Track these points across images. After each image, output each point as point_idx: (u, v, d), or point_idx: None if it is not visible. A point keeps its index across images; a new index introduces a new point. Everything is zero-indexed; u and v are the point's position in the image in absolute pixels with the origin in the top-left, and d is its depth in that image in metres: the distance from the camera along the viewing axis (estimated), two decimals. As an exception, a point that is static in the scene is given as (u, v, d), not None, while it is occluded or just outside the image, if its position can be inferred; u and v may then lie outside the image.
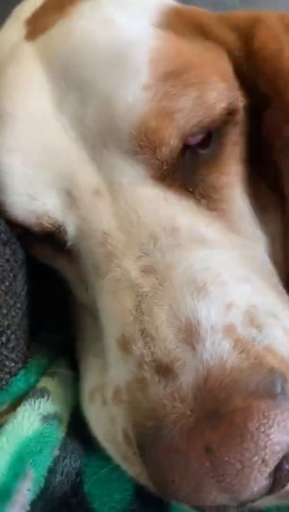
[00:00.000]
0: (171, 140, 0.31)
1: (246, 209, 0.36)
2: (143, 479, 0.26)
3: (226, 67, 0.36)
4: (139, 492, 0.27)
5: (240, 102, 0.35)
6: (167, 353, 0.25)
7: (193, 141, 0.33)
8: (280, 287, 0.33)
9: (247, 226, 0.35)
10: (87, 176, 0.33)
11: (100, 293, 0.31)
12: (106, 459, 0.28)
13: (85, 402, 0.31)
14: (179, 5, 0.40)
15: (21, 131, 0.32)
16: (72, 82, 0.32)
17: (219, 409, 0.23)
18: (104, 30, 0.33)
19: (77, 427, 0.31)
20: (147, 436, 0.24)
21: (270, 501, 0.26)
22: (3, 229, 0.32)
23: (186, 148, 0.33)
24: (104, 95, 0.31)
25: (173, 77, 0.32)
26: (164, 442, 0.23)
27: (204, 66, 0.33)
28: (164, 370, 0.25)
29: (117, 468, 0.28)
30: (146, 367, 0.26)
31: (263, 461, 0.22)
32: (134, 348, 0.27)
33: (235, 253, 0.32)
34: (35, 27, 0.37)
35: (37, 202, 0.32)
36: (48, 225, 0.33)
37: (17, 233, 0.34)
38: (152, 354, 0.26)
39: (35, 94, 0.33)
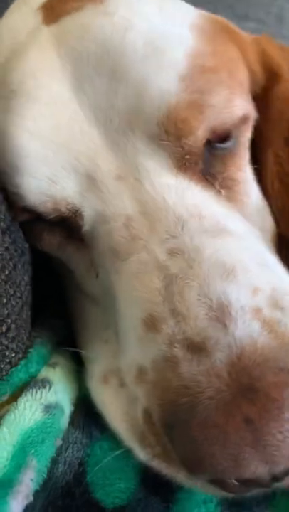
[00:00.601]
0: (199, 131, 0.32)
1: (260, 203, 0.38)
2: (161, 460, 0.26)
3: (245, 80, 0.38)
4: (144, 481, 0.27)
5: (252, 113, 0.37)
6: (199, 331, 0.26)
7: (215, 137, 0.34)
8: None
9: (260, 219, 0.37)
10: (108, 159, 0.33)
11: (119, 276, 0.31)
12: (110, 448, 0.28)
13: (96, 386, 0.31)
14: (213, 15, 0.41)
15: (42, 113, 0.32)
16: (103, 65, 0.32)
17: (254, 384, 0.24)
18: (145, 22, 0.33)
19: (80, 417, 0.30)
20: (178, 413, 0.25)
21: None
22: (2, 217, 0.32)
23: (207, 142, 0.34)
24: (138, 80, 0.32)
25: (209, 72, 0.33)
26: (200, 418, 0.24)
27: (233, 72, 0.35)
28: (197, 348, 0.26)
29: (120, 457, 0.27)
30: (177, 345, 0.26)
31: None
32: (163, 327, 0.27)
33: (254, 241, 0.33)
34: (53, 12, 0.36)
35: (57, 186, 0.32)
36: (65, 210, 0.33)
37: (23, 220, 0.34)
38: (184, 332, 0.26)
39: (55, 77, 0.33)
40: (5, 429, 0.27)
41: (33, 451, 0.26)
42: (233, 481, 0.24)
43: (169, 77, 0.31)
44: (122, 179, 0.32)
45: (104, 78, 0.32)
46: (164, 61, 0.32)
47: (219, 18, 0.40)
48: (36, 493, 0.25)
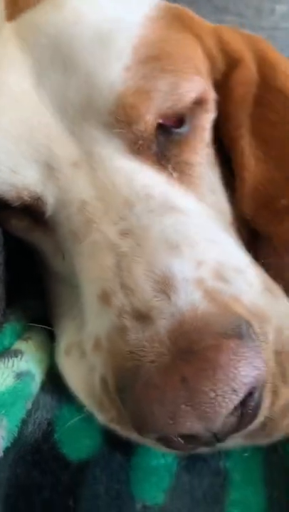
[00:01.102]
0: (147, 116, 0.34)
1: (216, 185, 0.39)
2: (116, 423, 0.28)
3: (202, 64, 0.40)
4: (107, 438, 0.29)
5: (209, 95, 0.39)
6: (145, 303, 0.28)
7: (168, 121, 0.36)
8: (243, 248, 0.36)
9: (214, 199, 0.38)
10: (65, 148, 0.34)
11: (79, 256, 0.33)
12: (76, 411, 0.30)
13: (61, 357, 0.33)
14: (171, 4, 0.42)
15: (3, 106, 0.34)
16: (56, 59, 0.34)
17: (193, 347, 0.25)
18: (95, 12, 0.35)
19: (50, 384, 0.33)
20: (127, 377, 0.26)
21: (237, 442, 0.28)
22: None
23: (160, 127, 0.35)
24: (88, 72, 0.33)
25: (153, 61, 0.34)
26: (143, 380, 0.25)
27: (183, 58, 0.36)
28: (143, 318, 0.27)
29: (86, 419, 0.30)
30: (126, 316, 0.28)
31: (234, 390, 0.24)
32: (114, 300, 0.29)
33: (204, 219, 0.35)
34: (15, 8, 0.38)
35: (18, 176, 0.34)
36: (28, 198, 0.35)
37: None
38: (131, 304, 0.28)
39: (15, 71, 0.34)
40: (-23, 394, 0.29)
41: (3, 411, 0.28)
42: (178, 439, 0.26)
43: (115, 68, 0.33)
44: (79, 166, 0.34)
45: (58, 71, 0.34)
46: (111, 52, 0.33)
47: (179, 7, 0.42)
48: (7, 450, 0.28)
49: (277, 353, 0.29)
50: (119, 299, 0.29)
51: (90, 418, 0.30)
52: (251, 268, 0.32)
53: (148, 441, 0.28)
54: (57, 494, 0.26)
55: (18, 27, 0.37)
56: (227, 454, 0.29)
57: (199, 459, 0.29)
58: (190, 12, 0.43)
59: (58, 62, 0.34)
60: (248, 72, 0.41)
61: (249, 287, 0.30)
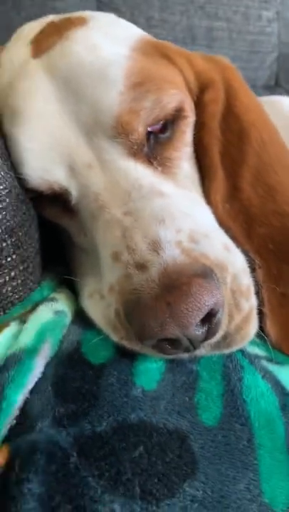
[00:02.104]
0: (139, 128, 0.48)
1: (190, 173, 0.53)
2: (125, 340, 0.42)
3: (179, 82, 0.53)
4: (117, 351, 0.43)
5: (186, 104, 0.52)
6: (143, 257, 0.40)
7: (155, 128, 0.50)
8: (215, 221, 0.50)
9: (190, 184, 0.52)
10: (82, 154, 0.48)
11: (96, 231, 0.47)
12: (95, 335, 0.44)
13: (85, 300, 0.47)
14: (152, 38, 0.55)
15: (36, 124, 0.47)
16: (71, 90, 0.47)
17: (174, 283, 0.38)
18: (92, 53, 0.48)
19: (77, 319, 0.47)
20: (132, 305, 0.39)
21: (207, 351, 0.42)
22: (20, 192, 0.47)
23: (150, 133, 0.49)
24: (93, 99, 0.47)
25: (139, 86, 0.47)
26: (142, 305, 0.38)
27: (162, 79, 0.50)
28: (141, 267, 0.40)
29: (102, 339, 0.43)
30: (130, 267, 0.41)
31: (199, 308, 0.37)
32: (122, 257, 0.42)
33: (182, 199, 0.48)
34: (39, 47, 0.51)
35: (50, 173, 0.48)
36: (58, 189, 0.49)
37: (32, 196, 0.49)
38: (133, 259, 0.41)
39: (42, 98, 0.48)
40: (29, 324, 0.43)
41: (48, 333, 0.42)
42: (166, 345, 0.39)
43: (112, 95, 0.46)
44: (92, 167, 0.48)
45: (72, 100, 0.47)
46: (107, 83, 0.46)
47: (160, 42, 0.55)
48: (51, 358, 0.42)
49: (233, 291, 0.42)
50: (125, 256, 0.42)
51: (105, 339, 0.44)
52: (216, 233, 0.46)
53: (147, 350, 0.41)
54: (84, 383, 0.39)
55: (43, 64, 0.50)
56: (198, 360, 0.43)
57: (179, 364, 0.42)
58: (167, 43, 0.56)
59: (72, 94, 0.47)
60: (218, 93, 0.54)
61: (213, 247, 0.44)
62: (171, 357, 0.42)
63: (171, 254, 0.40)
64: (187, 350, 0.40)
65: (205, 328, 0.39)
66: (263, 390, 0.41)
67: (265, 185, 0.50)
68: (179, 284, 0.38)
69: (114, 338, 0.43)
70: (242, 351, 0.44)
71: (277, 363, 0.44)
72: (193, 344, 0.40)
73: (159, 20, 1.27)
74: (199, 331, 0.39)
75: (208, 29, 1.29)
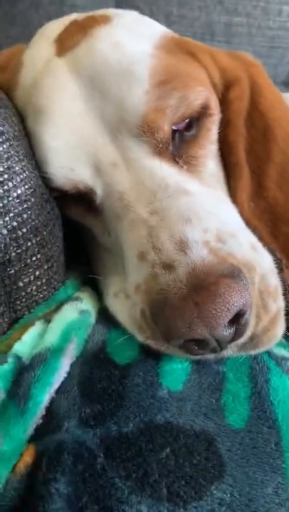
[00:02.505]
0: (165, 127, 0.47)
1: (216, 172, 0.52)
2: (151, 339, 0.42)
3: (204, 79, 0.52)
4: (142, 351, 0.43)
5: (212, 101, 0.51)
6: (170, 257, 0.40)
7: (180, 127, 0.49)
8: (241, 220, 0.49)
9: (216, 182, 0.52)
10: (107, 153, 0.47)
11: (121, 231, 0.47)
12: (120, 335, 0.44)
13: (110, 300, 0.47)
14: (175, 35, 0.55)
15: (61, 123, 0.47)
16: (96, 88, 0.47)
17: (202, 284, 0.37)
18: (116, 51, 0.48)
19: (101, 319, 0.47)
20: (158, 305, 0.39)
21: (233, 352, 0.42)
22: (44, 191, 0.47)
23: (175, 132, 0.48)
24: (118, 98, 0.46)
25: (164, 84, 0.47)
26: (169, 305, 0.37)
27: (187, 76, 0.49)
28: (168, 267, 0.40)
29: (127, 339, 0.43)
30: (157, 267, 0.41)
31: (228, 309, 0.37)
32: (148, 257, 0.42)
33: (208, 197, 0.48)
34: (63, 46, 0.51)
35: (75, 172, 0.47)
36: (83, 189, 0.48)
37: (56, 196, 0.49)
38: (160, 259, 0.41)
39: (68, 96, 0.48)
40: (54, 323, 0.43)
41: (74, 333, 0.42)
42: (193, 345, 0.39)
43: (138, 93, 0.45)
44: (117, 166, 0.47)
45: (98, 98, 0.47)
46: (132, 81, 0.45)
47: (183, 38, 0.54)
48: (77, 357, 0.42)
49: (261, 292, 0.42)
50: (151, 256, 0.42)
51: (130, 339, 0.43)
52: (242, 233, 0.45)
53: (172, 350, 0.41)
54: (110, 383, 0.39)
55: (67, 62, 0.50)
56: (225, 361, 0.43)
57: (205, 365, 0.42)
58: (191, 40, 0.55)
59: (97, 92, 0.47)
60: (243, 90, 0.53)
61: (240, 247, 0.43)
62: (197, 357, 0.42)
63: (199, 254, 0.40)
64: (214, 350, 0.40)
65: (233, 329, 0.39)
66: (291, 392, 0.40)
67: None
68: (207, 284, 0.38)
69: (140, 338, 0.43)
70: (268, 353, 0.44)
71: (305, 365, 0.44)
72: (221, 345, 0.39)
73: (177, 16, 1.26)
74: (227, 332, 0.39)
75: (227, 25, 1.27)
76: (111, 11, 0.55)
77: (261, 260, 0.44)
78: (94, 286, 0.52)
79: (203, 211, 0.44)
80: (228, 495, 0.35)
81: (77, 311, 0.45)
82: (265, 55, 1.35)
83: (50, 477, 0.34)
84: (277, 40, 1.31)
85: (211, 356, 0.42)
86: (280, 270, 0.46)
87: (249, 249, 0.44)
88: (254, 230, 0.48)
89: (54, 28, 0.55)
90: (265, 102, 0.53)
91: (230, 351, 0.42)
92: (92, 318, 0.46)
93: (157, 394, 0.39)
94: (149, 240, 0.42)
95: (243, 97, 0.53)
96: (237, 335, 0.39)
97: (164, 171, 0.47)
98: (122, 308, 0.45)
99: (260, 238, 0.47)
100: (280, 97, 0.55)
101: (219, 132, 0.53)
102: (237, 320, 0.39)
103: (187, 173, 0.49)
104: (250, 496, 0.35)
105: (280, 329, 0.44)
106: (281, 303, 0.44)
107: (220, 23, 1.29)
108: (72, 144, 0.47)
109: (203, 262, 0.39)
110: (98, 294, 0.51)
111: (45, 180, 0.48)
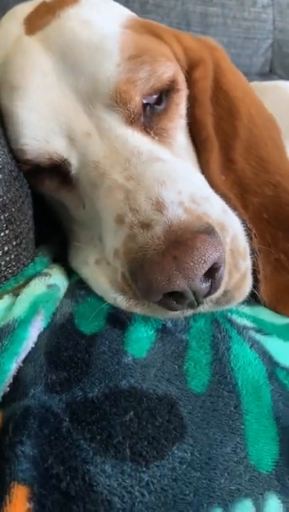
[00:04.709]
0: (136, 98, 0.49)
1: (185, 145, 0.55)
2: (131, 301, 0.43)
3: (170, 55, 0.55)
4: (109, 321, 0.44)
5: (179, 76, 0.54)
6: (147, 217, 0.42)
7: (151, 100, 0.51)
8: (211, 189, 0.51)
9: (185, 155, 0.54)
10: (81, 124, 0.49)
11: (98, 198, 0.48)
12: (89, 308, 0.45)
13: (90, 267, 0.48)
14: (140, 18, 0.57)
15: (35, 97, 0.48)
16: (67, 63, 0.49)
17: (179, 239, 0.39)
18: (86, 28, 0.50)
19: (69, 294, 0.48)
20: (138, 263, 0.40)
21: (209, 307, 0.44)
22: (13, 168, 0.48)
23: (146, 105, 0.51)
24: (91, 71, 0.48)
25: (134, 58, 0.49)
26: (148, 261, 0.39)
27: (155, 51, 0.51)
28: (146, 226, 0.41)
29: (95, 310, 0.44)
30: (135, 227, 0.42)
31: (204, 261, 0.39)
32: (126, 219, 0.44)
33: (178, 165, 0.50)
34: (32, 26, 0.52)
35: (50, 144, 0.49)
36: (57, 160, 0.50)
37: (29, 169, 0.50)
38: (138, 219, 0.42)
39: (41, 72, 0.49)
40: (23, 295, 0.44)
41: (42, 305, 0.43)
42: (172, 301, 0.41)
43: (109, 66, 0.47)
44: (91, 136, 0.49)
45: (70, 72, 0.49)
46: (104, 55, 0.48)
47: (148, 21, 0.57)
48: (44, 329, 0.43)
49: (232, 251, 0.44)
50: (129, 218, 0.43)
51: (98, 311, 0.45)
52: (213, 197, 0.48)
53: (151, 310, 0.43)
54: (76, 351, 0.40)
55: (38, 40, 0.51)
56: (188, 330, 0.44)
57: (169, 333, 0.44)
58: (155, 22, 0.57)
59: (69, 67, 0.49)
60: (207, 70, 0.55)
61: (213, 208, 0.45)
62: (175, 314, 0.43)
63: (176, 213, 0.42)
64: (191, 305, 0.42)
65: (209, 283, 0.41)
66: (251, 359, 0.42)
67: (256, 157, 0.52)
68: (184, 239, 0.39)
69: (121, 299, 0.44)
70: (230, 322, 0.45)
71: (265, 333, 0.45)
72: (197, 299, 0.41)
73: (153, 5, 1.27)
74: (204, 285, 0.40)
75: (203, 15, 1.28)
76: None
77: (232, 222, 0.46)
78: (63, 263, 0.53)
79: (176, 175, 0.46)
80: (189, 454, 0.36)
81: (45, 285, 0.46)
82: (240, 45, 1.37)
83: (16, 440, 0.35)
84: (253, 30, 1.33)
85: (188, 313, 0.43)
86: (250, 239, 0.48)
87: (221, 211, 0.46)
88: (227, 201, 0.50)
89: (24, 9, 0.56)
90: (229, 82, 0.55)
91: (206, 306, 0.44)
92: (61, 293, 0.47)
93: (122, 361, 0.40)
94: (126, 203, 0.44)
95: (208, 76, 0.55)
96: (213, 288, 0.41)
97: (137, 139, 0.49)
98: (104, 275, 0.46)
99: (233, 209, 0.49)
100: (243, 79, 0.57)
101: (187, 109, 0.54)
102: (212, 274, 0.41)
103: (159, 143, 0.51)
104: (210, 455, 0.36)
105: (248, 286, 0.47)
106: (249, 262, 0.47)
107: (195, 13, 1.30)
108: (47, 116, 0.48)
109: (180, 220, 0.41)
110: (67, 271, 0.52)
111: (18, 153, 0.49)
